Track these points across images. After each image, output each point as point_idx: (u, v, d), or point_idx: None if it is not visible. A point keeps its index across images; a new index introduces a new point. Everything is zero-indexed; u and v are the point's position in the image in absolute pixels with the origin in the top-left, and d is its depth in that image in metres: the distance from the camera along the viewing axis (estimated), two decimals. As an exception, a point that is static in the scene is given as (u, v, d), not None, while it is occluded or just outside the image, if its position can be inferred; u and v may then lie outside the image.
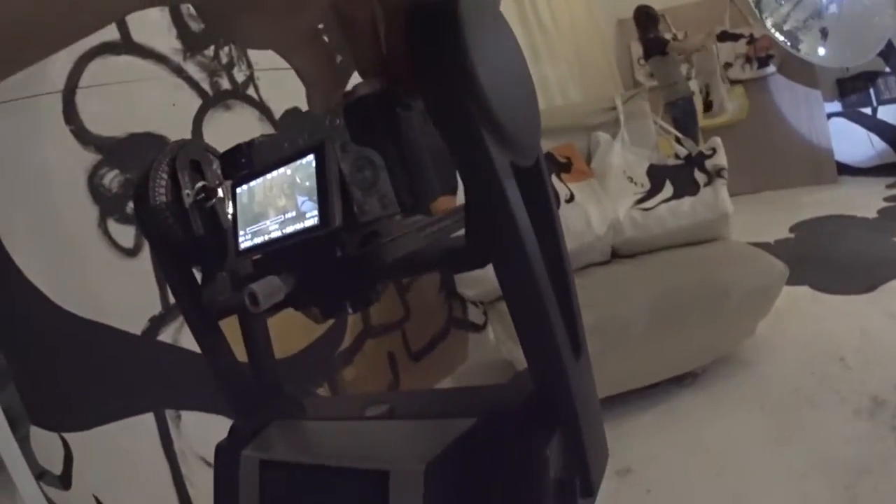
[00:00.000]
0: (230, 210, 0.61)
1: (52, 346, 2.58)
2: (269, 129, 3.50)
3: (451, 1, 0.41)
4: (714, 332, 3.43)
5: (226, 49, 3.39)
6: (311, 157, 0.51)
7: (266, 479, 0.59)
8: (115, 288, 2.83)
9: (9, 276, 2.58)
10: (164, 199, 0.66)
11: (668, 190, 3.87)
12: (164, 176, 0.67)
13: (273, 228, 0.53)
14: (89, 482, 2.58)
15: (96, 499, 2.61)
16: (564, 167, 3.97)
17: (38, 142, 2.75)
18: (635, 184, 3.97)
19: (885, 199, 6.48)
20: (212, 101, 3.29)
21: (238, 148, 0.61)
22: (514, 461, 0.47)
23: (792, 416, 3.02)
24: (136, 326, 2.80)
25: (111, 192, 2.85)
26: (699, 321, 3.31)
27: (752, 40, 8.06)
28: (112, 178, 2.85)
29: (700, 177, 3.87)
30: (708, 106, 7.84)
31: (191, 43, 3.25)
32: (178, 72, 3.18)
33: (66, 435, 2.46)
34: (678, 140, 4.51)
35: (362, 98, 0.49)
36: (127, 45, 3.01)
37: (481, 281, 3.39)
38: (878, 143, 7.86)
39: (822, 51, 7.33)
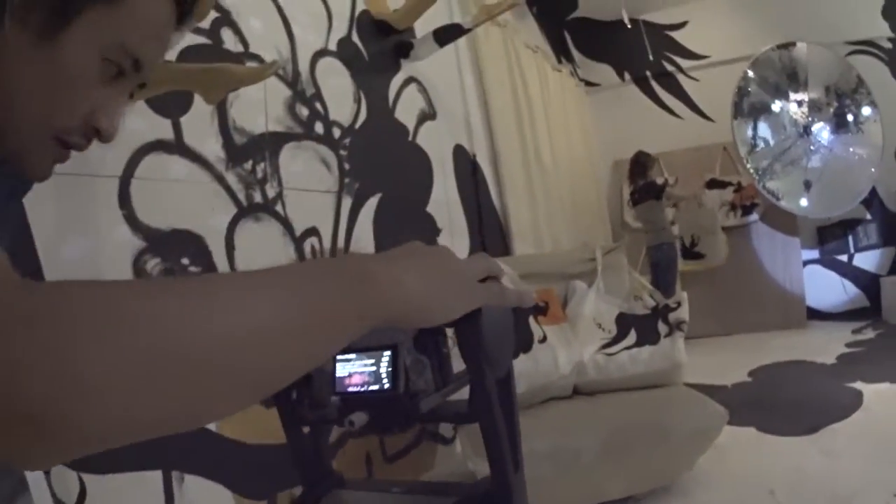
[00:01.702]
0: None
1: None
2: (290, 244, 3.82)
3: (477, 316, 0.82)
4: (655, 465, 3.73)
5: (262, 164, 3.70)
6: (388, 352, 0.95)
7: None
8: None
9: None
10: None
11: (631, 337, 4.23)
12: None
13: (359, 385, 0.97)
14: (96, 520, 2.86)
15: (101, 536, 2.88)
16: (542, 310, 4.32)
17: (96, 219, 2.98)
18: (603, 330, 4.33)
19: (847, 345, 6.77)
20: (245, 211, 3.59)
21: None
22: None
23: None
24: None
25: (152, 277, 3.08)
26: (642, 455, 3.63)
27: (739, 188, 8.31)
28: (154, 265, 3.11)
29: (662, 328, 4.22)
30: (693, 255, 8.05)
31: (233, 154, 3.55)
32: (220, 179, 3.47)
33: (83, 475, 2.59)
34: (651, 294, 4.88)
35: (421, 332, 0.95)
36: (179, 147, 3.30)
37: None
38: (851, 289, 8.20)
39: (804, 202, 7.67)
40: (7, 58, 0.80)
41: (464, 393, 0.93)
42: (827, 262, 8.41)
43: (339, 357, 1.02)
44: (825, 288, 8.38)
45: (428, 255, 0.80)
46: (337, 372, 1.01)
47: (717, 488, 3.89)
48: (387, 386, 0.95)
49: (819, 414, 4.76)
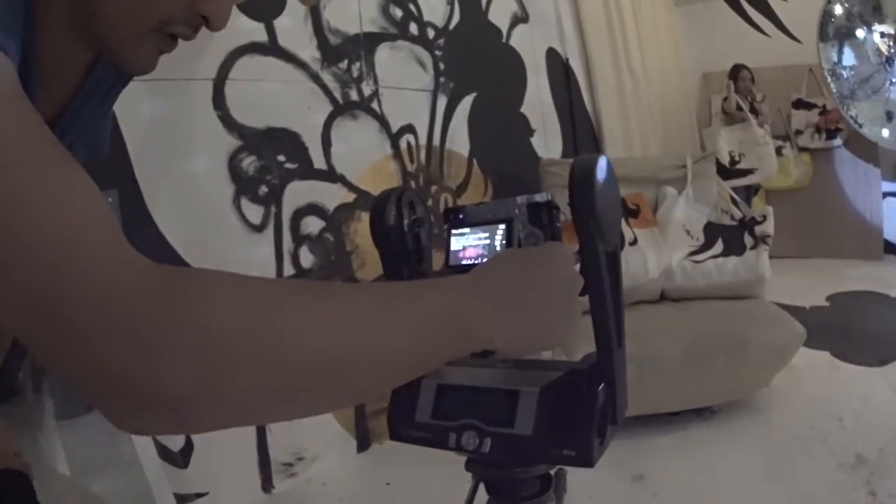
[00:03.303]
0: (427, 235, 1.04)
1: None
2: (387, 141, 3.87)
3: (591, 171, 0.81)
4: (734, 377, 3.75)
5: (357, 64, 3.73)
6: (503, 225, 0.98)
7: (439, 395, 0.92)
8: (239, 256, 3.22)
9: (147, 231, 2.95)
10: (392, 221, 1.01)
11: (718, 247, 4.25)
12: (394, 207, 1.01)
13: (473, 258, 1.01)
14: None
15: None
16: (633, 213, 4.37)
17: (189, 120, 3.12)
18: (691, 237, 4.35)
19: None
20: (341, 108, 3.65)
21: (457, 208, 1.06)
22: (581, 394, 0.85)
23: (786, 459, 3.34)
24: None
25: (247, 175, 3.24)
26: (722, 366, 3.65)
27: (824, 111, 8.09)
28: (250, 163, 3.24)
29: (748, 240, 4.22)
30: (738, 173, 7.47)
31: (328, 54, 3.59)
32: (315, 78, 3.54)
33: None
34: (735, 203, 4.85)
35: (536, 203, 0.97)
36: (273, 48, 3.37)
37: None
38: None
39: (886, 133, 7.44)
40: None
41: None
42: (907, 197, 8.12)
43: (454, 231, 1.05)
44: (903, 223, 8.10)
45: (532, 288, 0.86)
46: (452, 246, 1.04)
47: (790, 408, 3.90)
48: (498, 257, 0.96)
49: (891, 347, 4.68)
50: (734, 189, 6.51)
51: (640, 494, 3.15)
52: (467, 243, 1.03)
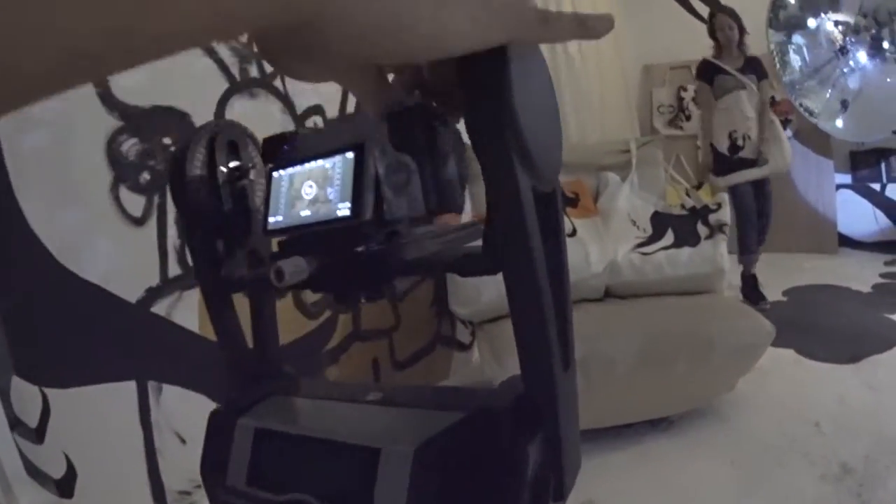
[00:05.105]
0: (261, 192, 0.68)
1: (47, 300, 2.59)
2: (290, 123, 3.58)
3: (501, 52, 0.46)
4: (695, 381, 3.49)
5: None
6: (351, 154, 0.54)
7: (259, 447, 0.61)
8: (118, 254, 2.86)
9: (15, 225, 2.60)
10: (199, 172, 0.68)
11: (668, 238, 3.98)
12: (203, 150, 0.69)
13: (304, 214, 0.57)
14: (62, 439, 2.60)
15: (66, 457, 2.62)
16: (571, 202, 4.09)
17: (63, 98, 2.75)
18: (638, 228, 4.09)
19: (882, 276, 6.55)
20: (239, 86, 3.34)
21: (283, 135, 0.64)
22: (497, 455, 0.50)
23: (759, 472, 3.09)
24: (132, 295, 2.83)
25: (128, 160, 2.89)
26: (682, 369, 3.37)
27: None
28: (130, 146, 2.89)
29: (702, 229, 3.97)
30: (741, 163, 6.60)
31: None
32: (210, 52, 3.23)
33: (46, 389, 2.49)
34: (687, 192, 4.57)
35: (405, 109, 0.53)
36: None
37: (475, 300, 3.50)
38: (883, 220, 7.92)
39: (839, 122, 7.38)
40: None
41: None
42: (860, 188, 8.11)
43: (275, 172, 0.63)
44: (857, 215, 8.08)
45: None
46: (271, 196, 0.62)
47: (758, 414, 3.70)
48: (341, 211, 0.54)
49: (859, 343, 4.55)
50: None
51: (591, 525, 2.90)
52: (295, 190, 0.60)
